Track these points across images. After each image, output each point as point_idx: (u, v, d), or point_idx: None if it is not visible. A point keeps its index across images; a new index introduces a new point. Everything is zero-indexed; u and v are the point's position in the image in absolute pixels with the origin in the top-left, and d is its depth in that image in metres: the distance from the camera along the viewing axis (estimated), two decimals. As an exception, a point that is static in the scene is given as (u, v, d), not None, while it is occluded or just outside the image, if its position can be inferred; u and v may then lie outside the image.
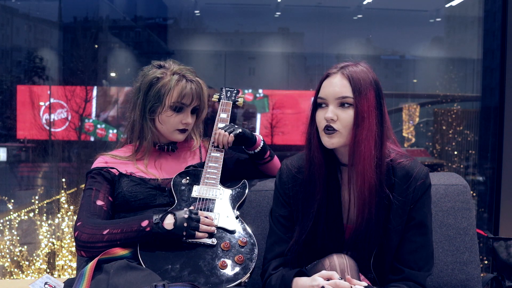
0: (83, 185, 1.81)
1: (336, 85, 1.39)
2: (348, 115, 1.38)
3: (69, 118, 4.38)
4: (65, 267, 3.98)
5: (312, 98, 1.46)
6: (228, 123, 1.77)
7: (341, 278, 1.30)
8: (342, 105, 1.39)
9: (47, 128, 4.40)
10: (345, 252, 1.46)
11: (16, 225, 4.05)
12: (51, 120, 4.40)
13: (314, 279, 1.31)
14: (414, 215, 1.42)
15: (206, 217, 1.52)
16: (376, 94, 1.40)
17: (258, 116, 4.63)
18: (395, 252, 1.43)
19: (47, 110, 4.41)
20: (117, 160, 1.69)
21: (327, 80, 1.42)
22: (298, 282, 1.35)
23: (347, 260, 1.38)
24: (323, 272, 1.32)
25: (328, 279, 1.30)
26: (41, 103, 4.41)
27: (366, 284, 1.30)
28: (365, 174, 1.37)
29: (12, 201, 4.18)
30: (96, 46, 4.54)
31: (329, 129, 1.38)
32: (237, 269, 1.46)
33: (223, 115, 1.81)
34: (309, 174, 1.45)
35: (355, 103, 1.37)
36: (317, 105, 1.43)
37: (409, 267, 1.41)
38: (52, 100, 4.40)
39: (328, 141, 1.39)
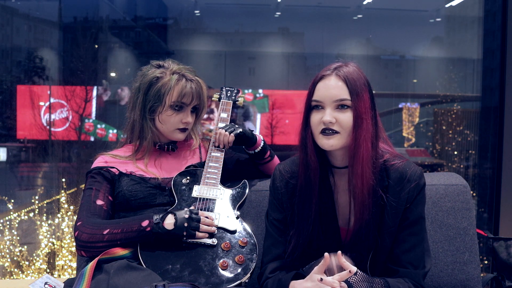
0: (83, 185, 1.81)
1: (333, 88, 1.36)
2: (347, 117, 1.35)
3: (70, 118, 4.38)
4: (65, 267, 3.98)
5: (305, 101, 1.42)
6: (228, 123, 1.76)
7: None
8: (339, 107, 1.36)
9: (47, 127, 4.40)
10: (343, 254, 1.46)
11: (16, 225, 4.04)
12: (51, 120, 4.40)
13: (311, 277, 1.31)
14: (408, 215, 1.41)
15: (207, 217, 1.51)
16: (370, 94, 1.39)
17: (258, 116, 4.63)
18: (389, 253, 1.42)
19: (47, 110, 4.40)
20: (117, 160, 1.69)
21: (322, 82, 1.38)
22: (294, 285, 1.35)
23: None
24: (318, 266, 1.31)
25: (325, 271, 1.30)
26: (41, 103, 4.41)
27: (356, 269, 1.30)
28: (364, 175, 1.35)
29: (12, 201, 4.17)
30: (96, 46, 4.54)
31: (328, 131, 1.36)
32: (237, 269, 1.46)
33: (224, 115, 1.81)
34: (305, 178, 1.42)
35: (353, 105, 1.35)
36: (311, 107, 1.40)
37: (403, 266, 1.40)
38: (52, 100, 4.40)
39: (327, 143, 1.36)
